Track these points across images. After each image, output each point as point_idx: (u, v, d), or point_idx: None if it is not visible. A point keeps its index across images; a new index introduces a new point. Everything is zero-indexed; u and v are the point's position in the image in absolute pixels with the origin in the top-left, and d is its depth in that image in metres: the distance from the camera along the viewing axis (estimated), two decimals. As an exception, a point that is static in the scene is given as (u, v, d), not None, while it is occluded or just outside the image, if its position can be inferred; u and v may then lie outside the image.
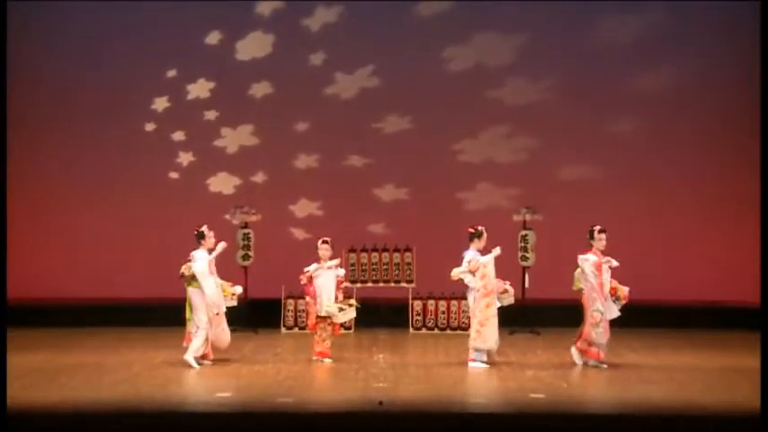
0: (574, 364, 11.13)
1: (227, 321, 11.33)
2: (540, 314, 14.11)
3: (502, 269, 11.43)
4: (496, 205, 15.62)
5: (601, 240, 11.17)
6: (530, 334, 13.94)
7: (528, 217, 14.39)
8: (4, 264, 10.17)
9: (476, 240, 11.22)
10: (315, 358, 11.37)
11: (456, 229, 11.51)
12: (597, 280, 11.04)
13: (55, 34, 15.88)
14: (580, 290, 11.21)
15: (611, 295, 11.16)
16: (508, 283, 11.38)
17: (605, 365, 11.02)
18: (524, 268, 14.28)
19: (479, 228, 11.28)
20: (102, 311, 14.81)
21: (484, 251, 11.22)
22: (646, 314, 14.05)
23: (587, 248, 11.15)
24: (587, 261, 11.08)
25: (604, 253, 11.15)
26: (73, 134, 15.95)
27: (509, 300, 11.38)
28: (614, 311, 11.16)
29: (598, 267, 11.07)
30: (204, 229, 11.23)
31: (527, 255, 14.35)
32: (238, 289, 11.53)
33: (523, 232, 14.41)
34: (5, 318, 10.56)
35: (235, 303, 11.49)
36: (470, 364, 11.08)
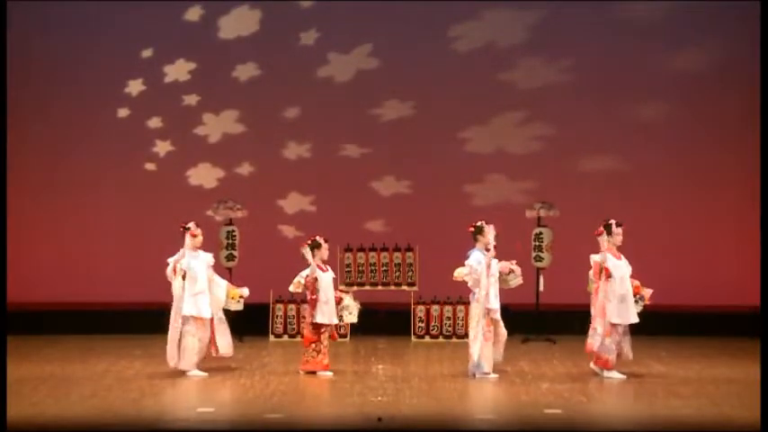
0: (595, 375, 11.20)
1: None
2: (556, 321, 14.14)
3: (515, 270, 11.42)
4: (508, 200, 15.62)
5: (618, 235, 11.20)
6: (545, 342, 13.98)
7: (543, 213, 14.41)
8: (4, 272, 10.29)
9: (479, 237, 11.24)
10: (314, 373, 11.38)
11: (463, 227, 11.50)
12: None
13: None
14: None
15: (635, 294, 11.18)
16: (514, 261, 11.33)
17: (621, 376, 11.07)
18: (539, 270, 14.30)
19: (479, 223, 11.29)
20: (65, 317, 14.88)
21: (494, 249, 11.22)
22: (675, 320, 14.08)
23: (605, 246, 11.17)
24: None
25: (620, 249, 11.19)
26: (34, 119, 15.86)
27: (517, 281, 11.36)
28: (634, 315, 11.17)
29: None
30: (192, 225, 11.30)
31: (542, 255, 14.38)
32: (245, 291, 11.59)
33: (538, 230, 14.45)
34: (5, 326, 10.77)
35: (241, 307, 11.57)
36: (477, 376, 11.14)
